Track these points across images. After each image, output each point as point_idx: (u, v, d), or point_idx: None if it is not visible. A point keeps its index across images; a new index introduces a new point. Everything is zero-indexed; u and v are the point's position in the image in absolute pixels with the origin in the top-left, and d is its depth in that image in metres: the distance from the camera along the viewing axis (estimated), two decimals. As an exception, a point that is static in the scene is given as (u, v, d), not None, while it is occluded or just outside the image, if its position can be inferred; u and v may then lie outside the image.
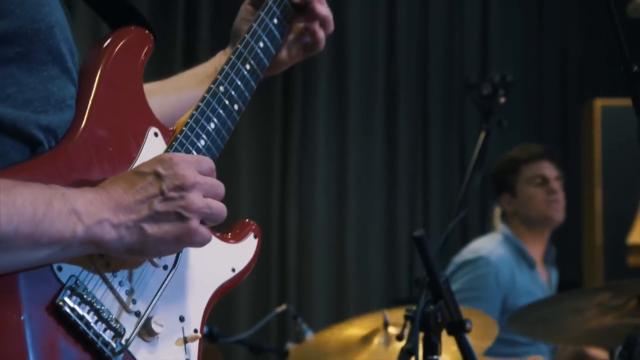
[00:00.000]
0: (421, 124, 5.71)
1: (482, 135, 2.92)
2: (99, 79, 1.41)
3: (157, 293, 1.37)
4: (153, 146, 1.44)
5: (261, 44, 1.64)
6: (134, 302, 1.36)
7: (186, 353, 1.42)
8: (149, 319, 1.36)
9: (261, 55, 1.64)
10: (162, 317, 1.38)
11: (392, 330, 3.01)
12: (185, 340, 1.42)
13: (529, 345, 3.73)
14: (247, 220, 1.59)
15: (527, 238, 3.94)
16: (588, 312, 2.85)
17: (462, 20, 5.83)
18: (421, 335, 2.13)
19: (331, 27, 1.79)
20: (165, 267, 1.41)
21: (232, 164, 5.25)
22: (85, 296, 1.30)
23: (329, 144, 5.51)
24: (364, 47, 5.64)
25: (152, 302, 1.37)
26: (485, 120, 2.95)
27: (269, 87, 5.43)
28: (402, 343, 2.27)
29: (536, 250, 3.96)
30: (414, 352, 2.11)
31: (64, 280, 1.28)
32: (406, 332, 2.30)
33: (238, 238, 1.55)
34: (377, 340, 3.02)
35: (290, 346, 3.34)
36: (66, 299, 1.27)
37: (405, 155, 5.64)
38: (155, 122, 1.46)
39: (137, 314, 1.36)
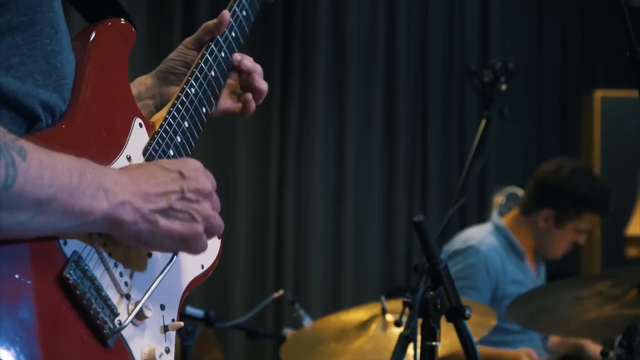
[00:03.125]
0: (421, 112, 5.70)
1: (483, 123, 2.90)
2: (90, 67, 1.44)
3: (154, 283, 1.40)
4: (138, 136, 1.48)
5: (222, 54, 1.72)
6: (126, 284, 1.39)
7: (167, 341, 1.44)
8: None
9: (223, 64, 1.72)
10: (150, 303, 1.41)
11: (390, 317, 3.01)
12: (166, 328, 1.44)
13: (522, 334, 3.72)
14: None
15: (519, 231, 3.94)
16: (588, 302, 2.84)
17: (463, 10, 5.81)
18: (420, 321, 2.12)
19: (262, 98, 1.78)
20: (149, 255, 1.44)
21: (230, 151, 5.25)
22: (87, 272, 1.32)
23: (327, 131, 5.50)
24: (363, 34, 5.62)
25: (148, 289, 1.40)
26: (486, 107, 2.92)
27: (267, 76, 5.37)
28: (401, 329, 2.26)
29: (526, 243, 3.96)
30: (413, 338, 2.10)
31: (68, 254, 1.30)
32: (405, 318, 2.29)
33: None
34: (374, 326, 3.01)
35: (287, 332, 3.33)
36: (72, 272, 1.29)
37: (404, 143, 5.63)
38: (139, 114, 1.51)
39: (128, 297, 1.38)
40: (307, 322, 3.29)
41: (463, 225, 4.94)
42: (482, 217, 5.20)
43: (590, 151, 5.24)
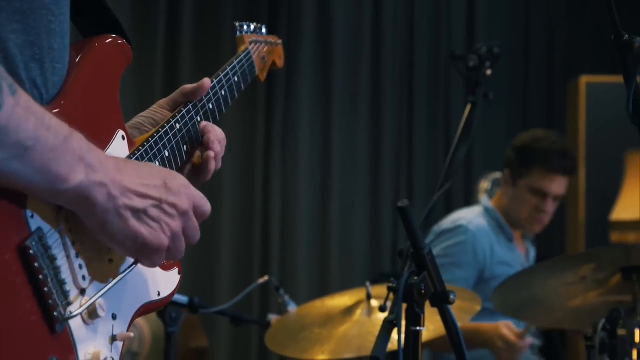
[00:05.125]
0: (407, 97, 5.69)
1: (468, 108, 2.89)
2: (84, 70, 1.43)
3: (110, 284, 1.38)
4: (119, 147, 1.47)
5: (210, 106, 1.74)
6: (84, 278, 1.36)
7: (112, 350, 1.41)
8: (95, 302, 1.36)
9: (221, 101, 1.76)
10: (105, 305, 1.38)
11: (375, 302, 3.00)
12: (114, 338, 1.42)
13: (508, 316, 3.73)
14: None
15: (504, 211, 3.95)
16: (572, 288, 2.85)
17: (449, -7, 5.81)
18: (404, 306, 2.12)
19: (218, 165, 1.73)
20: (110, 260, 1.42)
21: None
22: (49, 251, 1.29)
23: (313, 115, 5.49)
24: (350, 20, 5.61)
25: (103, 288, 1.37)
26: (471, 92, 2.92)
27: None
28: (385, 314, 2.26)
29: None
30: (397, 324, 2.10)
31: (33, 228, 1.27)
32: (389, 303, 2.29)
33: (166, 268, 1.57)
34: (359, 312, 3.01)
35: (272, 317, 3.33)
36: (34, 244, 1.26)
37: (390, 130, 5.62)
38: (124, 128, 1.50)
39: (83, 292, 1.35)
40: (292, 308, 3.28)
41: (449, 210, 4.94)
42: (468, 202, 5.21)
43: (576, 137, 5.25)
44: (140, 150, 1.51)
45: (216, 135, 1.69)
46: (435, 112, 5.74)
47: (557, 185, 3.84)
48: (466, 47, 5.62)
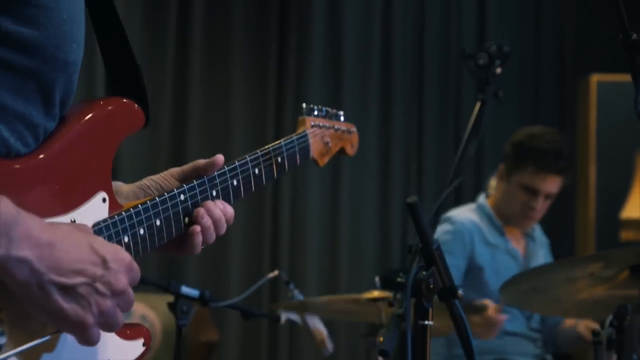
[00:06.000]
0: (417, 94, 5.70)
1: (477, 106, 2.91)
2: (78, 126, 1.42)
3: (25, 345, 1.35)
4: (96, 208, 1.45)
5: (235, 182, 1.68)
6: (2, 333, 1.34)
7: None
8: None
9: (230, 190, 1.67)
10: None
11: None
12: None
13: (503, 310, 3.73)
14: (142, 325, 1.59)
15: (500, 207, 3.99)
16: (580, 282, 2.86)
17: (460, -8, 5.81)
18: (413, 301, 2.14)
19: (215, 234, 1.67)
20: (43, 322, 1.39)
21: (225, 130, 5.25)
22: None
23: (324, 112, 5.49)
24: (359, 17, 5.61)
25: (15, 349, 1.34)
26: (481, 90, 2.93)
27: (263, 62, 5.41)
28: (394, 309, 2.28)
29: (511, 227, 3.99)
30: (405, 318, 2.12)
31: None
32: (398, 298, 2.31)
33: (128, 337, 1.54)
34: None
35: (283, 315, 3.35)
36: None
37: (400, 127, 5.63)
38: (108, 190, 1.48)
39: None
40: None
41: (458, 206, 4.95)
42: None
43: (587, 135, 5.26)
44: (122, 214, 1.49)
45: (210, 210, 1.64)
46: (445, 110, 5.74)
47: (549, 184, 3.85)
48: (476, 45, 5.62)
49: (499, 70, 2.91)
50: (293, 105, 5.45)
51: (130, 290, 1.38)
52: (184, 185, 1.60)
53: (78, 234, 1.35)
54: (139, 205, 1.52)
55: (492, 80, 2.91)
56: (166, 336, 4.22)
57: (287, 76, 5.44)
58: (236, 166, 1.68)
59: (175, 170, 1.69)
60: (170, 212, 1.56)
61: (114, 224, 1.47)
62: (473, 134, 2.84)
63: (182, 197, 1.58)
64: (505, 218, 3.96)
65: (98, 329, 1.36)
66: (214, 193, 1.64)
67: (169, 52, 5.17)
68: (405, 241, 5.50)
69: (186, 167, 1.68)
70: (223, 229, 1.68)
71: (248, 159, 1.70)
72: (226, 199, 1.67)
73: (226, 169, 1.65)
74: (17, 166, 1.34)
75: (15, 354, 1.34)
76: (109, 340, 1.48)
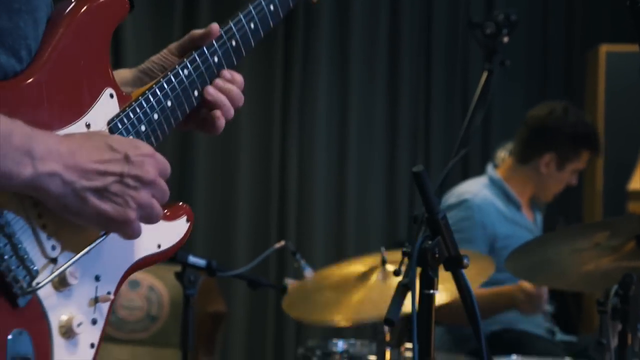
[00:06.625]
0: (424, 63, 5.69)
1: (484, 75, 2.90)
2: (65, 29, 1.41)
3: (81, 252, 1.38)
4: (106, 106, 1.46)
5: (233, 42, 1.65)
6: (54, 248, 1.37)
7: (94, 312, 1.43)
8: (64, 270, 1.37)
9: (230, 52, 1.65)
10: (78, 271, 1.39)
11: (390, 267, 3.04)
12: (97, 300, 1.43)
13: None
14: (181, 203, 1.60)
15: (516, 181, 3.97)
16: (586, 254, 2.86)
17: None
18: (418, 270, 2.14)
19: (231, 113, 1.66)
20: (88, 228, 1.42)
21: (232, 129, 5.21)
22: (5, 228, 1.30)
23: (330, 84, 5.49)
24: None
25: (74, 257, 1.37)
26: (488, 59, 2.92)
27: (271, 35, 5.36)
28: (399, 278, 2.28)
29: (523, 192, 3.98)
30: (411, 287, 2.12)
31: None
32: (403, 267, 2.31)
33: (170, 218, 1.57)
34: (374, 276, 3.05)
35: (289, 282, 3.36)
36: None
37: (408, 97, 5.62)
38: (113, 85, 1.48)
39: (54, 260, 1.37)
40: (309, 273, 3.32)
41: (466, 177, 4.95)
42: (484, 170, 5.21)
43: (595, 106, 5.24)
44: (133, 105, 1.49)
45: (224, 86, 1.64)
46: (452, 80, 5.73)
47: (586, 163, 4.01)
48: (484, 14, 5.59)
49: (506, 39, 2.90)
50: (300, 75, 5.44)
51: (161, 181, 1.40)
52: (185, 60, 1.60)
53: (94, 137, 1.37)
54: (147, 92, 1.52)
55: (500, 49, 2.90)
56: (174, 307, 4.25)
57: (293, 48, 5.42)
58: (231, 27, 1.66)
59: (173, 45, 1.68)
60: (179, 89, 1.56)
61: (127, 117, 1.48)
62: (480, 104, 2.84)
63: (185, 72, 1.58)
64: (534, 197, 3.98)
65: (139, 222, 1.39)
66: (216, 59, 1.63)
67: (176, 27, 5.15)
68: (412, 211, 5.50)
69: (183, 40, 1.67)
70: (238, 99, 1.67)
71: (241, 15, 1.68)
72: (228, 62, 1.66)
73: (222, 31, 1.64)
74: (20, 85, 1.34)
75: (72, 263, 1.37)
76: (158, 226, 1.51)
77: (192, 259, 3.02)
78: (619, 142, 5.13)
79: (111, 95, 1.47)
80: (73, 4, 1.44)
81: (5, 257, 1.29)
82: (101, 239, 1.41)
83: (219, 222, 5.18)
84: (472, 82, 5.59)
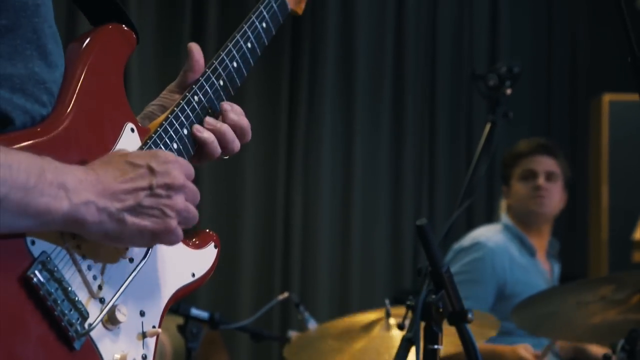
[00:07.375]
0: (428, 115, 5.70)
1: (488, 127, 2.90)
2: (83, 69, 1.43)
3: (125, 283, 1.39)
4: (129, 140, 1.47)
5: (234, 64, 1.66)
6: (100, 288, 1.38)
7: (144, 347, 1.43)
8: (113, 307, 1.38)
9: (233, 73, 1.66)
10: (125, 308, 1.40)
11: (394, 320, 3.01)
12: (144, 335, 1.44)
13: (526, 337, 3.72)
14: (208, 230, 1.62)
15: (527, 230, 3.96)
16: (592, 306, 2.84)
17: (471, 13, 5.81)
18: (422, 324, 2.13)
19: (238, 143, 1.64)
20: (131, 260, 1.43)
21: (237, 153, 5.24)
22: (55, 273, 1.30)
23: (335, 132, 5.50)
24: (372, 37, 5.62)
25: (118, 290, 1.38)
26: (491, 111, 2.93)
27: (275, 78, 5.42)
28: (404, 332, 2.26)
29: (537, 241, 3.97)
30: (415, 341, 2.11)
31: (36, 254, 1.29)
32: (407, 321, 2.29)
33: (199, 246, 1.59)
34: (378, 328, 3.02)
35: (292, 334, 3.34)
36: (37, 272, 1.28)
37: (412, 146, 5.63)
38: (132, 119, 1.49)
39: (102, 300, 1.37)
40: (312, 325, 3.29)
41: (470, 227, 4.94)
42: (489, 220, 5.20)
43: (598, 155, 5.24)
44: (153, 137, 1.50)
45: (234, 112, 1.61)
46: (457, 129, 5.74)
47: (543, 163, 3.98)
48: (489, 64, 5.62)
49: (509, 91, 2.90)
50: (305, 120, 5.45)
51: (189, 183, 1.41)
52: (193, 86, 1.60)
53: (112, 159, 1.37)
54: (164, 122, 1.53)
55: (503, 101, 2.91)
56: (177, 358, 4.21)
57: (298, 93, 5.44)
58: (230, 48, 1.67)
59: (170, 86, 1.68)
60: (192, 117, 1.57)
61: (150, 149, 1.48)
62: (484, 155, 2.83)
63: (195, 98, 1.59)
64: (524, 222, 3.96)
65: (179, 227, 1.39)
66: (221, 83, 1.64)
67: (182, 62, 5.16)
68: (417, 261, 5.48)
69: (179, 78, 1.67)
70: (243, 134, 1.63)
71: (238, 36, 1.68)
72: (232, 83, 1.66)
73: (223, 54, 1.66)
74: (51, 130, 1.35)
75: (118, 297, 1.38)
76: (188, 256, 1.54)
77: (195, 312, 3.00)
78: (624, 191, 5.13)
79: (132, 130, 1.48)
80: (87, 43, 1.46)
81: (59, 301, 1.29)
82: (139, 267, 1.41)
83: (222, 274, 5.16)
84: (477, 131, 5.60)
